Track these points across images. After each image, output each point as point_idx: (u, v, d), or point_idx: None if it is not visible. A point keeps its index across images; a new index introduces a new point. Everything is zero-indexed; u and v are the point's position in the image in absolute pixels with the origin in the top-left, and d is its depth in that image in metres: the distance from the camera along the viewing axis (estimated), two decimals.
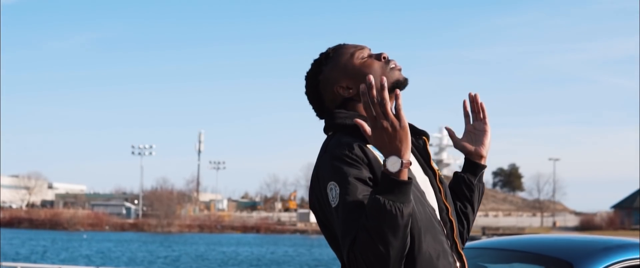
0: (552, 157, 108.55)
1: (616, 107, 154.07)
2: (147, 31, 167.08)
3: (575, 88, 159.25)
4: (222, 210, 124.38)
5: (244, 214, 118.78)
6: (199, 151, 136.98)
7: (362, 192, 2.79)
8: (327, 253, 52.61)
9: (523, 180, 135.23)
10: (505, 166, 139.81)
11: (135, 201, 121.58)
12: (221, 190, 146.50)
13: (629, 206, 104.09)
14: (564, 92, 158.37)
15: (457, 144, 3.34)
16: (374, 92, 2.70)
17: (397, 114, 2.72)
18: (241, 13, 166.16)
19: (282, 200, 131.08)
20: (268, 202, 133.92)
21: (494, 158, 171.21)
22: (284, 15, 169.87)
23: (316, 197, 2.94)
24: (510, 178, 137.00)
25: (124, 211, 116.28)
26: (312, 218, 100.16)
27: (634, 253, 4.93)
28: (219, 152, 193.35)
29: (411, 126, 3.08)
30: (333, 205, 2.81)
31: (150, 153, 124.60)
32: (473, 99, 3.35)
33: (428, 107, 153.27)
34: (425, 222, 2.88)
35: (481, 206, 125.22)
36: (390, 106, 2.72)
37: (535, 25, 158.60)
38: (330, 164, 2.86)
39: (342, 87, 3.06)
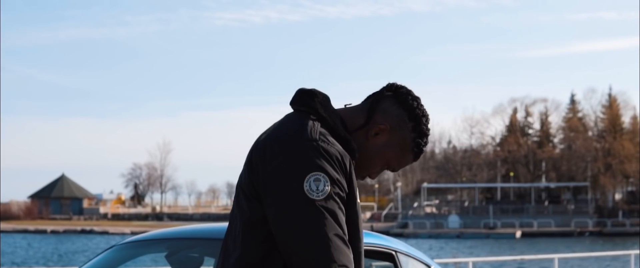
0: None
1: (29, 97, 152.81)
2: None
3: None
4: None
5: None
6: None
7: (343, 207, 2.71)
8: None
9: None
10: None
11: None
12: None
13: (46, 195, 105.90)
14: None
15: None
16: None
17: None
18: None
19: None
20: None
21: None
22: None
23: (275, 172, 2.69)
24: None
25: None
26: None
27: None
28: None
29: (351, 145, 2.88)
30: (313, 197, 2.63)
31: None
32: None
33: None
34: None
35: None
36: None
37: None
38: (322, 155, 2.69)
39: (378, 133, 2.90)
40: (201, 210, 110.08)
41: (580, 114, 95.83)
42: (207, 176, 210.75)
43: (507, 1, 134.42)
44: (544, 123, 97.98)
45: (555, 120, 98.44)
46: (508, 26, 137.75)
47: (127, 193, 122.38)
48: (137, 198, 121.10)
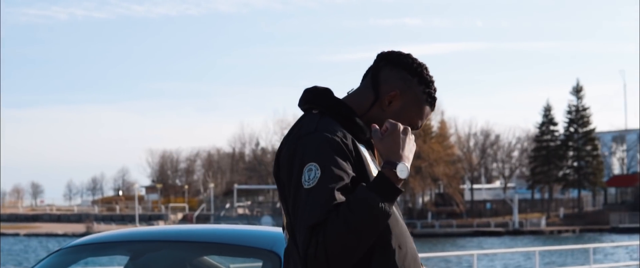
0: None
1: None
2: None
3: None
4: None
5: None
6: None
7: (341, 185, 2.79)
8: None
9: None
10: None
11: None
12: None
13: None
14: None
15: None
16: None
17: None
18: None
19: None
20: None
21: None
22: None
23: (287, 172, 2.89)
24: None
25: None
26: None
27: None
28: None
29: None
30: (305, 186, 2.80)
31: None
32: None
33: None
34: (403, 225, 3.00)
35: None
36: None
37: None
38: (317, 145, 2.84)
39: (391, 100, 3.04)
40: (8, 211, 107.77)
41: None
42: (10, 176, 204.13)
43: (313, 5, 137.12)
44: None
45: None
46: (315, 30, 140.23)
47: None
48: None
